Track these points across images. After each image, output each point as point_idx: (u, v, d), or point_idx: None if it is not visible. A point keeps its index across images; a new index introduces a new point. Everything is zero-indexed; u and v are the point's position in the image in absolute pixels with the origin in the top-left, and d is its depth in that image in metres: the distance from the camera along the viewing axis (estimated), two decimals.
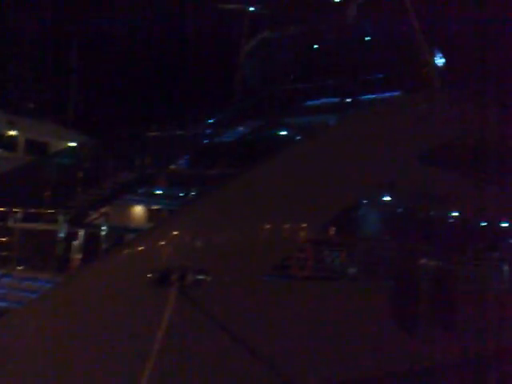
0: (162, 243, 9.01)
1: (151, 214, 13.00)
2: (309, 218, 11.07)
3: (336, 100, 16.14)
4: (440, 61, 16.62)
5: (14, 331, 7.67)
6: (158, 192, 12.58)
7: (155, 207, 13.13)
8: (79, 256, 9.29)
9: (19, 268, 9.47)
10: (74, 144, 16.90)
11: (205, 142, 12.55)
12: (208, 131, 13.44)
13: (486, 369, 14.11)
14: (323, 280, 11.34)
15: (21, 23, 21.62)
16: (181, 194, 11.89)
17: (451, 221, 15.57)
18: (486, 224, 16.86)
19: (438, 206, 14.78)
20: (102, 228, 9.57)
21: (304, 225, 11.01)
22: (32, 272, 9.26)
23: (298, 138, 12.66)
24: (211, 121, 14.57)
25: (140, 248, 8.86)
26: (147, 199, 12.73)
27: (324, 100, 16.00)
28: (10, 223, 10.07)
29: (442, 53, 16.72)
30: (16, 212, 10.22)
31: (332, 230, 12.22)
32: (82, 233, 9.44)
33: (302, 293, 10.74)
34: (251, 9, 17.59)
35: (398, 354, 12.24)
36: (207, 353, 9.13)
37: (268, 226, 10.35)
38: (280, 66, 16.97)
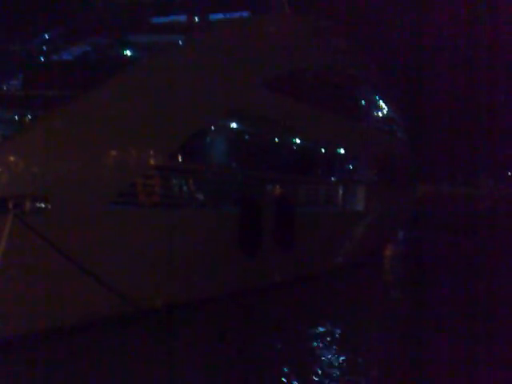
0: None
1: None
2: (155, 144, 11.24)
3: (184, 18, 15.99)
4: None
5: None
6: None
7: None
8: None
9: None
10: None
11: (40, 59, 11.91)
12: (44, 48, 12.73)
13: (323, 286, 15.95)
14: (170, 207, 11.74)
15: None
16: (14, 118, 11.31)
17: (294, 147, 16.69)
18: (325, 150, 18.35)
19: (282, 133, 15.74)
20: None
21: (150, 151, 11.17)
22: None
23: (143, 57, 12.52)
24: (47, 36, 13.75)
25: None
26: None
27: (172, 17, 15.77)
28: None
29: None
30: None
31: (180, 157, 12.53)
32: None
33: (149, 220, 11.08)
34: None
35: (243, 275, 13.31)
36: (49, 280, 9.28)
37: (111, 152, 10.36)
38: None
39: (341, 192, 18.87)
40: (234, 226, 13.10)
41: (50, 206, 9.00)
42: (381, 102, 22.98)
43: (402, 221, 27.25)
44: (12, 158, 8.90)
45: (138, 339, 10.14)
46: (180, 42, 12.92)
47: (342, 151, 19.14)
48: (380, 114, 23.04)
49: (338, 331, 11.82)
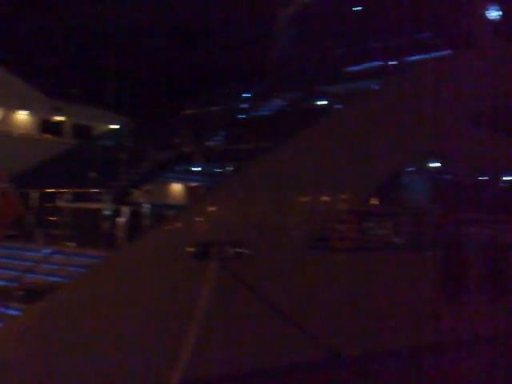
0: (201, 219, 9.69)
1: (189, 191, 13.69)
2: (350, 189, 11.46)
3: (379, 63, 16.14)
4: (495, 14, 16.29)
5: (67, 304, 8.55)
6: (195, 169, 13.26)
7: (193, 184, 13.81)
8: (124, 232, 10.11)
9: (69, 245, 10.46)
10: (115, 126, 17.95)
11: (241, 116, 13.02)
12: (244, 106, 13.88)
13: None
14: (366, 251, 11.73)
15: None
16: (217, 170, 12.46)
17: (502, 187, 15.55)
18: None
19: (488, 172, 14.81)
20: (144, 205, 10.34)
21: (345, 196, 11.40)
22: (81, 248, 10.20)
23: (338, 106, 12.94)
24: (247, 95, 14.97)
25: (180, 224, 9.57)
26: (185, 176, 13.41)
27: (366, 64, 16.06)
28: (60, 203, 11.07)
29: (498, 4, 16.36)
30: (64, 192, 11.21)
31: (375, 200, 12.56)
32: (126, 210, 10.24)
33: (344, 264, 11.22)
34: None
35: (444, 325, 12.60)
36: (248, 324, 9.74)
37: (306, 199, 10.81)
38: (320, 33, 17.09)
39: None
40: (436, 270, 12.56)
41: (248, 252, 9.58)
42: None
43: None
44: (214, 208, 9.80)
45: None
46: (373, 87, 13.09)
47: None
48: None
49: None
